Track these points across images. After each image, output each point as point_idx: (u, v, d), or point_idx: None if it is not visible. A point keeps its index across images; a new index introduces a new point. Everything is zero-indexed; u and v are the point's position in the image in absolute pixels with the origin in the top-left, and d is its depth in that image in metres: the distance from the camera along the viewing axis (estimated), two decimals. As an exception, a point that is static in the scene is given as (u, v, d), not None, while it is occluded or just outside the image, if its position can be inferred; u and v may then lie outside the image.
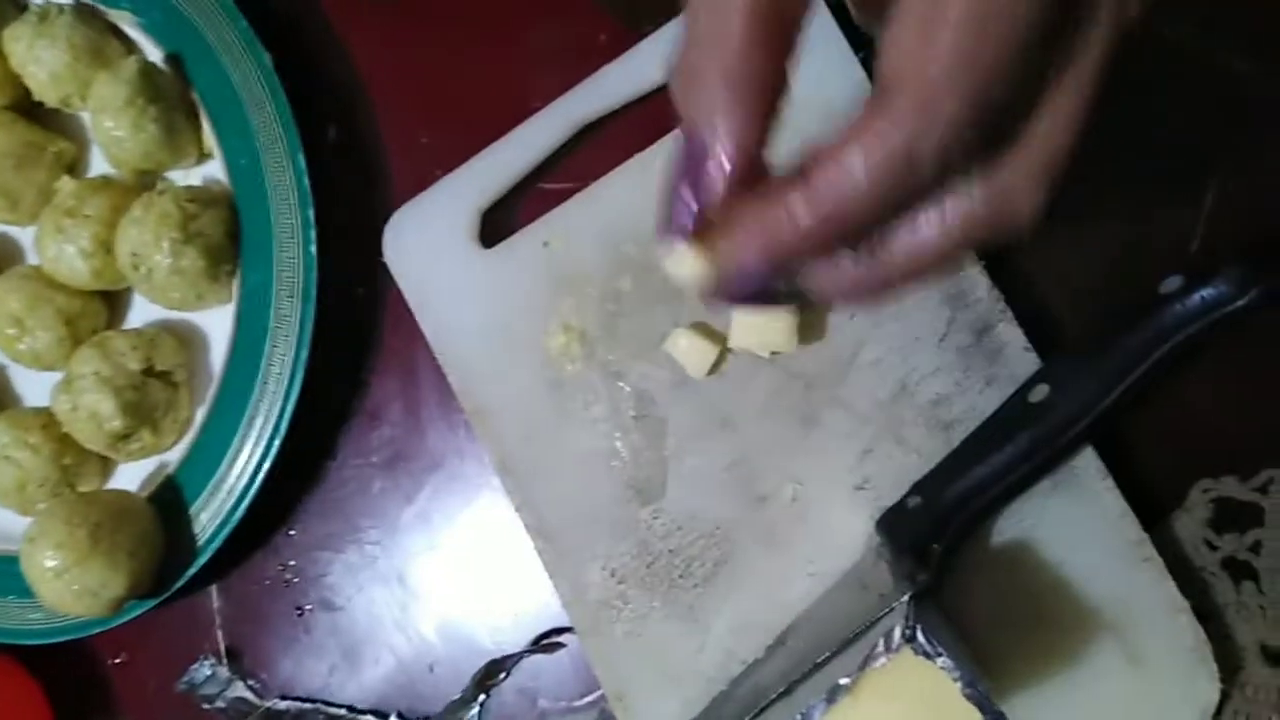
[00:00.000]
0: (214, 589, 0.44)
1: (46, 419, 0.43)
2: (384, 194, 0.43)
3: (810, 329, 0.37)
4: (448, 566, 0.42)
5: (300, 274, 0.40)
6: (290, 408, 0.40)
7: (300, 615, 0.43)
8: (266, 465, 0.40)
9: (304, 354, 0.40)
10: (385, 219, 0.41)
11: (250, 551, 0.44)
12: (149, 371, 0.41)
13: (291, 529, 0.44)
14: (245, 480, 0.40)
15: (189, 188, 0.42)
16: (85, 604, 0.39)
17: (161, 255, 0.40)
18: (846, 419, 0.37)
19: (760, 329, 0.37)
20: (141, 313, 0.45)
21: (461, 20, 0.43)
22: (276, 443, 0.40)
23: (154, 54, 0.44)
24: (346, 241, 0.42)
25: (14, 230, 0.47)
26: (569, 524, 0.39)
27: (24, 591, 0.41)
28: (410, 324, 0.41)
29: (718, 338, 0.38)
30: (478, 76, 0.43)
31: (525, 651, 0.40)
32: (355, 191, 0.43)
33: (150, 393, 0.41)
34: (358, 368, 0.43)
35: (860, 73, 0.37)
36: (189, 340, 0.43)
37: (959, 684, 0.29)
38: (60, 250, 0.42)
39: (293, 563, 0.44)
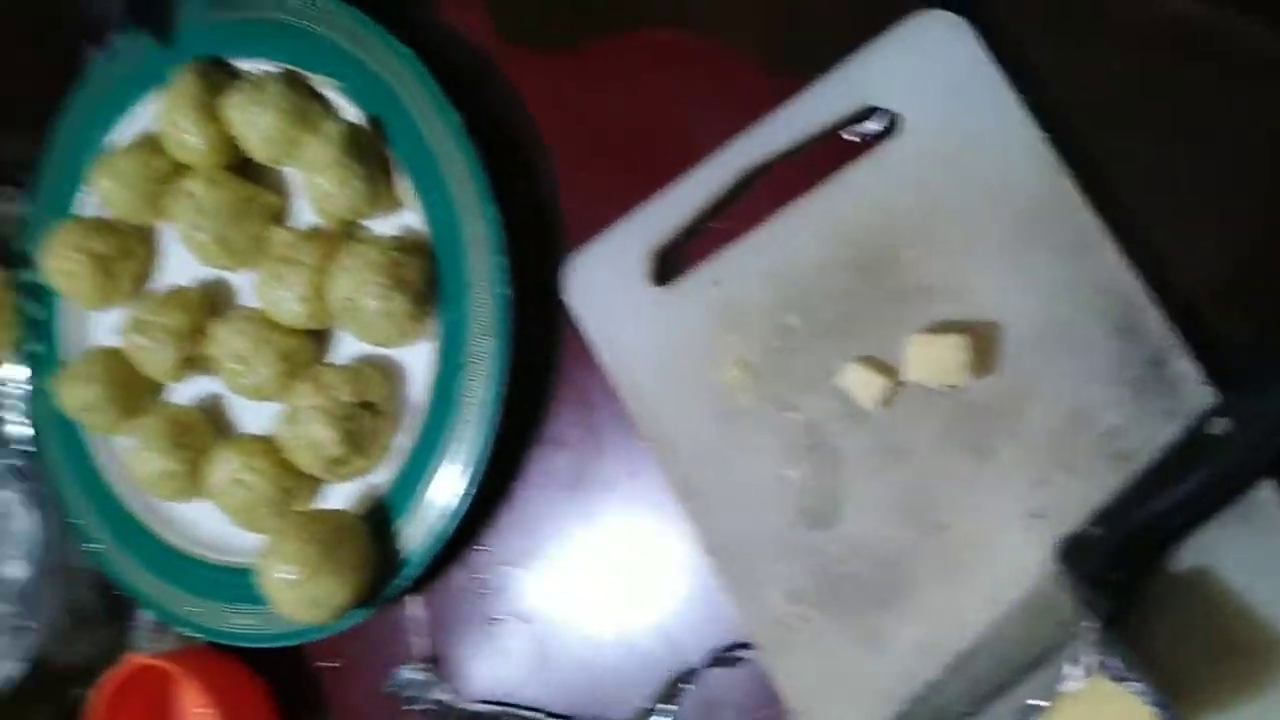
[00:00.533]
0: (412, 599, 0.48)
1: (266, 445, 0.48)
2: (561, 235, 0.47)
3: (983, 362, 0.39)
4: (628, 583, 0.45)
5: (492, 314, 0.44)
6: (491, 438, 0.43)
7: (492, 625, 0.47)
8: (474, 490, 0.44)
9: (499, 388, 0.44)
10: (563, 259, 0.44)
11: (445, 565, 0.48)
12: (361, 403, 0.46)
13: (482, 544, 0.47)
14: (453, 502, 0.44)
15: (394, 238, 0.46)
16: (314, 613, 0.44)
17: (371, 299, 0.44)
18: (1020, 450, 0.38)
19: (934, 362, 0.39)
20: (342, 347, 0.49)
21: (630, 72, 0.46)
22: (481, 469, 0.44)
23: (351, 113, 0.48)
24: (528, 280, 0.46)
25: (227, 274, 0.52)
26: (745, 547, 0.41)
27: (252, 599, 0.47)
28: (589, 357, 0.44)
29: (890, 371, 0.40)
30: (648, 125, 0.46)
31: (708, 664, 0.43)
32: (536, 234, 0.47)
33: (361, 422, 0.46)
34: (541, 397, 0.47)
35: (1021, 111, 0.39)
36: (390, 373, 0.48)
37: (1153, 708, 0.31)
38: (278, 295, 0.47)
39: (484, 576, 0.48)
